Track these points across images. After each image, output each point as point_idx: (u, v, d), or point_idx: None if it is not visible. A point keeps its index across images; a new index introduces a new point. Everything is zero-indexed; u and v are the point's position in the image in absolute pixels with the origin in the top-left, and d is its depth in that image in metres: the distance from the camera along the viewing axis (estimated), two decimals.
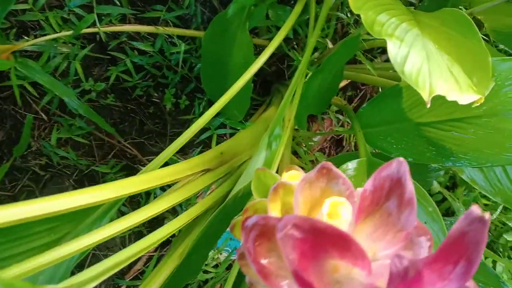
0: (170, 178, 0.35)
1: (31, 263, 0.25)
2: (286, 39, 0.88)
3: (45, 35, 0.69)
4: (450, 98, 0.28)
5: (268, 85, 0.92)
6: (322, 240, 0.17)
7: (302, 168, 0.31)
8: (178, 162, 0.63)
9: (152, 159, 0.84)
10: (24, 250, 0.30)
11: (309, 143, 0.85)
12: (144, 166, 0.76)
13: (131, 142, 0.83)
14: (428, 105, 0.27)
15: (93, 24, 0.67)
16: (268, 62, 0.92)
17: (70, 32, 0.66)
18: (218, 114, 0.85)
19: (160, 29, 0.71)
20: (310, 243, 0.17)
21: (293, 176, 0.29)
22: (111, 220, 0.31)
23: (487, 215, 0.17)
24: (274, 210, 0.25)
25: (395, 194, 0.21)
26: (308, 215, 0.24)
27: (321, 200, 0.23)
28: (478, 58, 0.38)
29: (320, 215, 0.23)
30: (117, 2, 0.74)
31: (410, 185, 0.20)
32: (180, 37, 0.78)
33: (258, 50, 0.87)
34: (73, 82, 0.77)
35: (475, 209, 0.17)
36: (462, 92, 0.28)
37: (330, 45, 0.71)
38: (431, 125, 0.49)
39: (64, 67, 0.73)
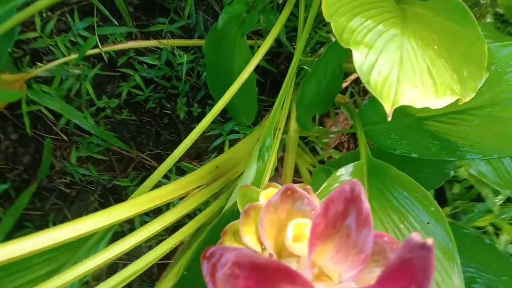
0: (164, 199, 0.35)
1: None
2: (292, 37, 0.87)
3: (56, 59, 0.73)
4: (418, 106, 0.26)
5: (279, 85, 0.91)
6: (265, 276, 0.17)
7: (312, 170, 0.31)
8: (194, 169, 0.65)
9: (170, 170, 0.86)
10: (26, 281, 0.32)
11: (323, 140, 0.84)
12: (163, 177, 0.78)
13: (149, 154, 0.86)
14: (389, 118, 0.26)
15: (101, 43, 0.70)
16: (276, 62, 0.92)
17: (76, 56, 0.69)
18: (229, 120, 0.86)
19: (163, 43, 0.72)
20: (253, 280, 0.17)
21: (270, 194, 0.29)
22: (107, 244, 0.33)
23: (429, 241, 0.16)
24: (247, 234, 0.25)
25: (352, 215, 0.20)
26: (276, 238, 0.24)
27: (287, 222, 0.23)
28: (473, 47, 0.36)
29: (286, 239, 0.23)
30: (120, 19, 0.76)
31: (366, 205, 0.20)
32: (185, 47, 0.79)
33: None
34: (88, 101, 0.80)
35: (415, 236, 0.16)
36: (438, 95, 0.27)
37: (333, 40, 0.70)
38: (433, 118, 0.47)
39: (77, 88, 0.76)
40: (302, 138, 0.87)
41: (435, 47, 0.36)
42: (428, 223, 0.39)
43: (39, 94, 0.64)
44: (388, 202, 0.41)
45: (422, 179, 0.60)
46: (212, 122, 0.87)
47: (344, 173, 0.40)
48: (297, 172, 0.77)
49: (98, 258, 0.31)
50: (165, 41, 0.72)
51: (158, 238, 0.74)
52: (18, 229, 0.76)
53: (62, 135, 0.80)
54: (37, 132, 0.80)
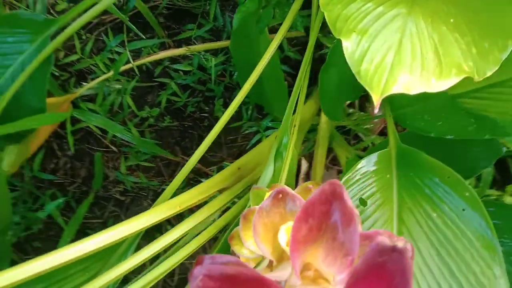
0: (183, 205, 0.37)
1: None
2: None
3: (97, 77, 0.78)
4: (413, 92, 0.24)
5: (315, 74, 0.89)
6: (238, 286, 0.17)
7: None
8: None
9: (213, 169, 0.88)
10: None
11: (364, 126, 0.81)
12: (208, 178, 0.81)
13: None
14: (376, 111, 0.24)
15: (136, 56, 0.73)
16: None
17: (114, 71, 0.73)
18: (266, 116, 0.86)
19: (191, 49, 0.74)
20: None
21: None
22: (135, 251, 0.35)
23: (400, 243, 0.15)
24: (248, 239, 0.25)
25: (335, 215, 0.19)
26: (273, 242, 0.24)
27: (280, 225, 0.23)
28: (501, 13, 0.33)
29: (280, 244, 0.23)
30: (154, 31, 0.79)
31: (349, 203, 0.19)
32: (215, 49, 0.80)
33: (293, 42, 0.85)
34: (132, 112, 0.84)
35: (382, 240, 0.15)
36: (441, 77, 0.25)
37: None
38: (467, 95, 0.44)
39: (119, 102, 0.80)
40: (342, 127, 0.85)
41: (451, 20, 0.33)
42: (463, 210, 0.36)
43: (84, 113, 0.69)
44: (418, 190, 0.39)
45: (471, 159, 0.55)
46: (249, 120, 0.88)
47: (366, 164, 0.38)
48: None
49: (128, 263, 0.33)
50: (192, 47, 0.74)
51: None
52: (82, 237, 0.82)
53: (112, 147, 0.85)
54: (89, 146, 0.86)
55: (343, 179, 0.37)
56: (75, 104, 0.80)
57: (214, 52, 0.81)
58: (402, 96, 0.51)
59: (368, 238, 0.21)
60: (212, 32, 0.82)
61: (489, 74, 0.30)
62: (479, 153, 0.56)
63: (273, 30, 0.83)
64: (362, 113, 0.83)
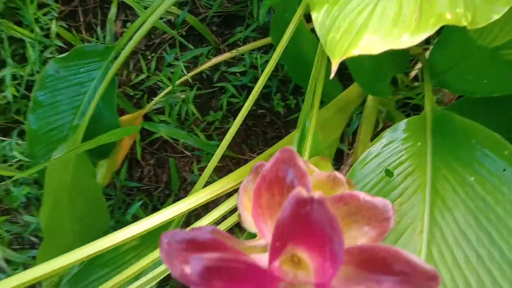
0: (223, 189, 0.40)
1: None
2: None
3: (164, 90, 0.86)
4: (376, 51, 0.23)
5: None
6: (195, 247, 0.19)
7: None
8: None
9: None
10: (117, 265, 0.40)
11: (437, 96, 0.75)
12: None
13: (259, 152, 0.92)
14: (332, 76, 0.23)
15: (194, 66, 0.79)
16: None
17: (178, 82, 0.80)
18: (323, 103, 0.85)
19: (240, 50, 0.77)
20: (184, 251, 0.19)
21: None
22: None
23: (317, 195, 0.16)
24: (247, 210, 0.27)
25: (290, 177, 0.20)
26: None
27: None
28: None
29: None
30: (205, 39, 0.85)
31: (300, 163, 0.20)
32: (263, 46, 0.82)
33: None
34: (197, 119, 0.91)
35: (297, 192, 0.16)
36: (416, 31, 0.23)
37: None
38: (509, 45, 0.39)
39: (185, 110, 0.87)
40: (406, 102, 0.81)
41: None
42: (504, 170, 0.33)
43: (154, 124, 0.77)
44: (454, 155, 0.36)
45: None
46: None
47: (391, 133, 0.37)
48: None
49: None
50: (241, 49, 0.77)
51: None
52: None
53: (186, 152, 0.93)
54: (167, 154, 0.94)
55: (368, 151, 0.36)
56: (149, 118, 0.89)
57: (265, 49, 0.84)
58: (442, 59, 0.48)
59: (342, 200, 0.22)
60: (261, 30, 0.84)
61: (496, 17, 0.27)
62: None
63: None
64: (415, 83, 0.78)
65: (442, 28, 0.50)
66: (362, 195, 0.22)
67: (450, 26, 0.46)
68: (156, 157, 0.95)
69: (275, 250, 0.17)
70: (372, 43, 0.23)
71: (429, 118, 0.40)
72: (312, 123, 0.38)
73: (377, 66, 0.52)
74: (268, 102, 0.91)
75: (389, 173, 0.35)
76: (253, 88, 0.89)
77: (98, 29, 0.91)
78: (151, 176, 0.95)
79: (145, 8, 0.78)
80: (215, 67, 0.89)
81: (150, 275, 0.35)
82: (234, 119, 0.93)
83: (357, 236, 0.22)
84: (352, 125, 0.80)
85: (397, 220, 0.33)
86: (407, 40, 0.23)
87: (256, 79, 0.88)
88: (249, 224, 0.25)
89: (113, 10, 0.86)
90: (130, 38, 0.62)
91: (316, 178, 0.26)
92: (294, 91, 0.88)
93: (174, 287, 0.86)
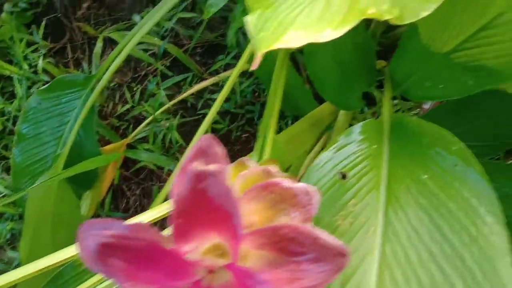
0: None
1: None
2: None
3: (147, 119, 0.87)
4: (296, 44, 0.24)
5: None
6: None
7: None
8: None
9: None
10: None
11: (411, 113, 0.76)
12: None
13: None
14: (254, 67, 0.24)
15: (178, 94, 0.81)
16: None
17: (159, 111, 0.82)
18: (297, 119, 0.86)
19: (221, 77, 0.79)
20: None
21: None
22: None
23: (212, 167, 0.16)
24: None
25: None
26: None
27: None
28: None
29: None
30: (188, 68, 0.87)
31: (218, 150, 0.20)
32: (244, 72, 0.85)
33: None
34: (181, 146, 0.91)
35: (195, 166, 0.16)
36: (339, 26, 0.24)
37: None
38: (458, 49, 0.40)
39: (169, 138, 0.88)
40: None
41: None
42: (455, 165, 0.33)
43: (135, 152, 0.78)
44: (409, 155, 0.36)
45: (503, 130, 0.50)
46: None
47: (342, 139, 0.37)
48: None
49: None
50: (222, 75, 0.79)
51: None
52: None
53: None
54: (152, 183, 0.94)
55: (323, 153, 0.36)
56: (134, 147, 0.90)
57: (249, 75, 0.86)
58: (400, 71, 0.49)
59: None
60: (238, 58, 0.87)
61: (424, 14, 0.28)
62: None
63: None
64: (403, 101, 0.79)
65: (399, 38, 0.51)
66: (285, 182, 0.22)
67: (406, 34, 0.47)
68: (142, 187, 0.95)
69: (179, 229, 0.17)
70: (294, 38, 0.24)
71: (386, 121, 0.41)
72: (271, 132, 0.38)
73: (343, 81, 0.53)
74: (252, 127, 0.92)
75: (342, 175, 0.35)
76: (236, 113, 0.91)
77: (85, 64, 0.94)
78: (137, 206, 0.95)
79: None
80: (199, 95, 0.91)
81: None
82: (223, 145, 0.94)
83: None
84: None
85: (351, 220, 0.33)
86: (330, 33, 0.24)
87: (240, 105, 0.89)
88: None
89: (99, 44, 0.89)
90: (109, 66, 0.64)
91: (251, 172, 0.26)
92: (280, 116, 0.89)
93: None
